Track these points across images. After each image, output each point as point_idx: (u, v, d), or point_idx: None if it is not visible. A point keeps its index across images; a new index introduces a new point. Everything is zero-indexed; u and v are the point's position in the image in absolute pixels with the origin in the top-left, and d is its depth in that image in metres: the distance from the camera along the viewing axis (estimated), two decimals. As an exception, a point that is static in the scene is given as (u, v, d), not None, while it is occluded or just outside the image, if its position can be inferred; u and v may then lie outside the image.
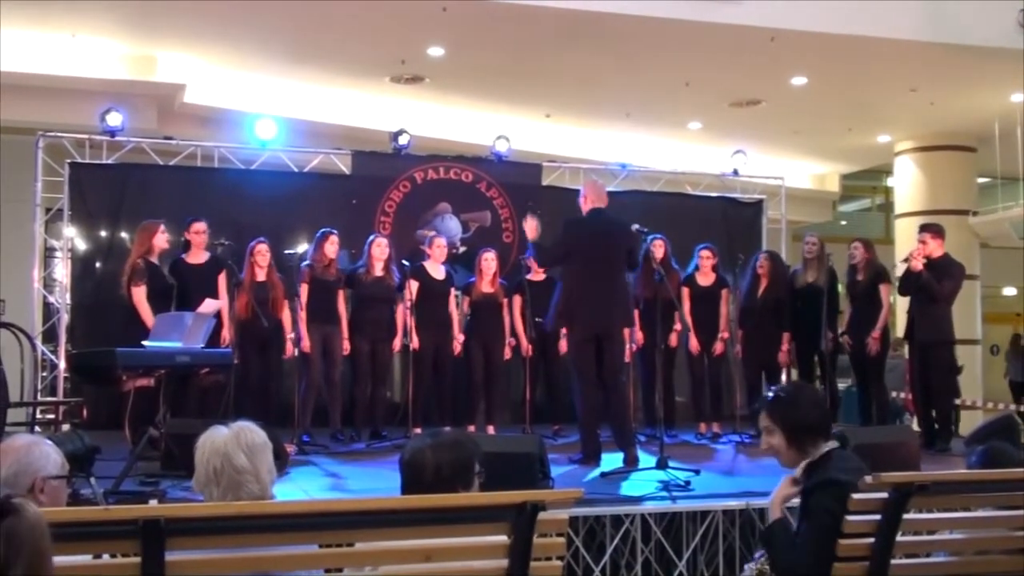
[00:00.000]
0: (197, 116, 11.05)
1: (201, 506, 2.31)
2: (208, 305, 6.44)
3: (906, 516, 2.68)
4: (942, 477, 2.99)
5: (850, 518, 2.66)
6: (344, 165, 9.25)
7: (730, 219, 9.99)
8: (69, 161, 8.29)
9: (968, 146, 13.17)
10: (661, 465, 5.44)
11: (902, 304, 7.73)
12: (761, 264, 7.72)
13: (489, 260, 7.62)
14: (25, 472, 2.31)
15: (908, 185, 13.63)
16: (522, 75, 10.53)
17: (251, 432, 2.47)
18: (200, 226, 7.05)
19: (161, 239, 6.81)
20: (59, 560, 1.75)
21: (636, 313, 7.17)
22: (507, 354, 7.68)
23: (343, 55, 10.12)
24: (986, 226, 13.36)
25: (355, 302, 7.41)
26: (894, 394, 9.86)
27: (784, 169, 11.84)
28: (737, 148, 10.18)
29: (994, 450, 3.09)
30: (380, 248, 7.36)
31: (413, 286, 7.24)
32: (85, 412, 7.31)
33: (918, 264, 7.07)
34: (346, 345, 7.24)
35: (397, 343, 7.41)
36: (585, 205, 6.27)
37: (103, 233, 8.41)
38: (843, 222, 18.48)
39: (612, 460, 5.90)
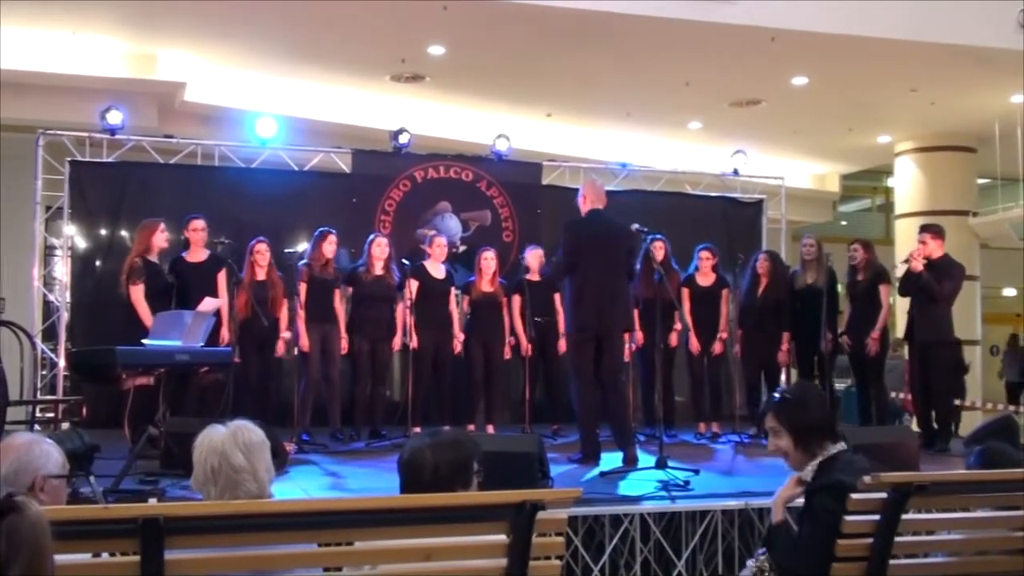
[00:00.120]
0: (197, 114, 11.05)
1: (200, 505, 2.31)
2: (207, 304, 6.43)
3: (905, 516, 2.69)
4: (941, 477, 2.99)
5: (849, 518, 2.66)
6: (344, 164, 9.25)
7: (730, 219, 9.99)
8: (69, 159, 8.29)
9: (968, 147, 13.17)
10: (660, 465, 5.45)
11: (902, 304, 7.73)
12: (761, 264, 7.73)
13: (489, 259, 7.62)
14: (26, 470, 2.31)
15: (908, 185, 13.63)
16: (522, 74, 10.53)
17: (248, 431, 2.47)
18: (199, 223, 7.05)
19: (160, 238, 6.81)
20: (59, 558, 1.75)
21: (636, 313, 7.18)
22: (507, 354, 7.68)
23: (343, 54, 10.12)
24: (986, 227, 13.36)
25: (355, 301, 7.40)
26: (893, 394, 9.86)
27: (784, 169, 11.83)
28: (737, 148, 10.18)
29: (992, 450, 3.08)
30: (380, 248, 7.36)
31: (413, 285, 7.24)
32: (85, 410, 7.30)
33: (918, 265, 7.07)
34: (344, 343, 7.24)
35: (397, 342, 7.41)
36: (584, 206, 6.26)
37: (103, 231, 8.41)
38: (843, 222, 18.47)
39: (611, 460, 5.90)
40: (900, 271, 7.54)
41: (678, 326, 7.63)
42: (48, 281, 9.20)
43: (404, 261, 7.42)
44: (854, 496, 2.64)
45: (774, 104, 11.42)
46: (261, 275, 7.08)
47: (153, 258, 6.80)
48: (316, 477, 5.70)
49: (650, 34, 9.26)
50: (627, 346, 7.12)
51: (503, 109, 11.65)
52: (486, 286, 7.60)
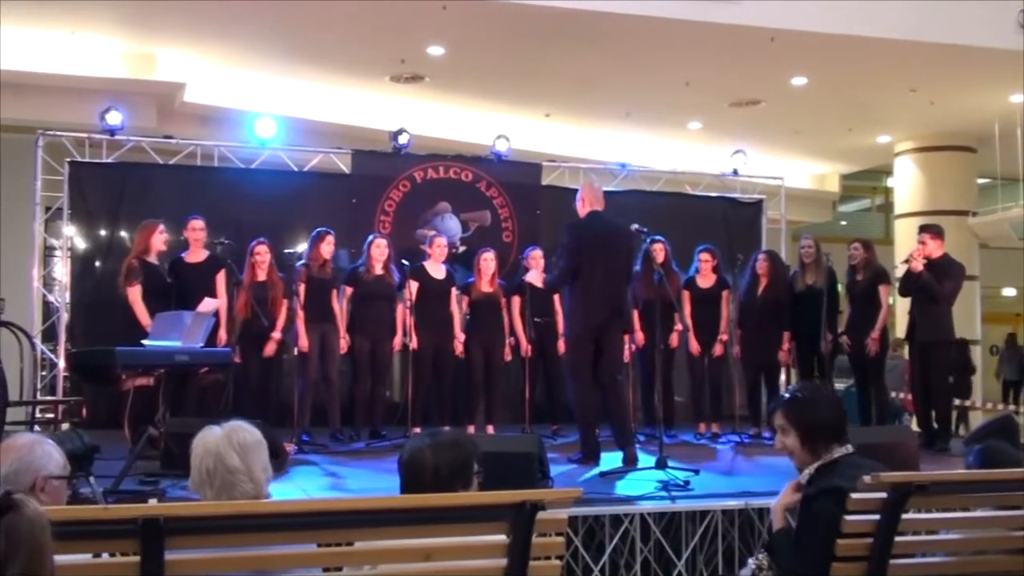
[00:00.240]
0: (197, 115, 11.05)
1: (200, 505, 2.31)
2: (207, 304, 6.44)
3: (905, 516, 2.68)
4: (941, 477, 2.99)
5: (849, 518, 2.65)
6: (344, 164, 9.25)
7: (730, 219, 9.99)
8: (69, 160, 8.28)
9: (968, 146, 13.18)
10: (660, 465, 5.44)
11: (902, 304, 7.74)
12: (760, 264, 7.72)
13: (488, 260, 7.62)
14: (26, 470, 2.31)
15: (908, 185, 13.64)
16: (522, 75, 10.53)
17: (243, 431, 2.46)
18: (198, 224, 7.04)
19: (159, 239, 6.80)
20: (59, 559, 1.75)
21: (636, 314, 7.18)
22: (507, 354, 7.67)
23: (343, 54, 10.13)
24: (986, 227, 13.37)
25: (355, 301, 7.39)
26: (893, 394, 9.87)
27: (784, 169, 11.84)
28: (737, 148, 10.18)
29: (992, 450, 3.08)
30: (379, 249, 7.36)
31: (413, 286, 7.24)
32: (84, 411, 7.30)
33: (918, 265, 7.07)
34: (343, 343, 7.24)
35: (397, 342, 7.41)
36: (583, 208, 6.26)
37: (103, 232, 8.40)
38: (843, 222, 18.48)
39: (611, 460, 5.90)
40: (900, 271, 7.55)
41: (679, 327, 7.63)
42: (48, 282, 9.19)
43: (404, 262, 7.42)
44: (854, 496, 2.64)
45: (774, 104, 11.42)
46: (261, 276, 7.07)
47: (152, 259, 6.79)
48: (316, 477, 5.70)
49: (650, 34, 9.27)
50: (627, 347, 7.12)
51: (502, 109, 11.66)
52: (486, 286, 7.60)
